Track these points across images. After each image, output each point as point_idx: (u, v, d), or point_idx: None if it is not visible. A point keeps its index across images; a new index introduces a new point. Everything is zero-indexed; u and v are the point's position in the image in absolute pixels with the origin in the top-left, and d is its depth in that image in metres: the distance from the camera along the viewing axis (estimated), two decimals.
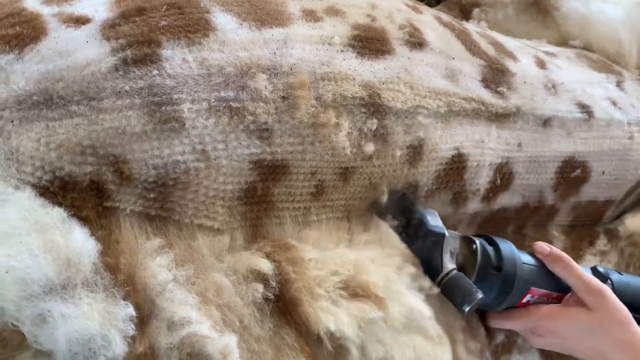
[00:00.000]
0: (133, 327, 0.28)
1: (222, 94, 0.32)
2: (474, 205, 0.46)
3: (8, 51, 0.30)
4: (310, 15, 0.38)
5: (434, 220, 0.40)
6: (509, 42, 0.52)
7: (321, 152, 0.36)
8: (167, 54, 0.31)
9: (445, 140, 0.41)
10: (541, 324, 0.41)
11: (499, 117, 0.44)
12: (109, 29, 0.31)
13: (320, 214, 0.38)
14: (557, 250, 0.41)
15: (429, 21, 0.45)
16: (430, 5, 0.62)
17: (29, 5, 0.32)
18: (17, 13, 0.31)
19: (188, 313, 0.29)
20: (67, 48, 0.30)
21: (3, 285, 0.25)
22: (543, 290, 0.42)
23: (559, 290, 0.42)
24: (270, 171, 0.35)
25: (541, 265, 0.42)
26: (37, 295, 0.26)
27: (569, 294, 0.41)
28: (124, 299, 0.29)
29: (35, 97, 0.29)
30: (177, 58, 0.31)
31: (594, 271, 0.44)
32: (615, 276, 0.44)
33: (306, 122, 0.34)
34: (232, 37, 0.33)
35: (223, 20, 0.34)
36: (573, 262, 0.41)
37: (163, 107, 0.30)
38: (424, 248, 0.39)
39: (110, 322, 0.27)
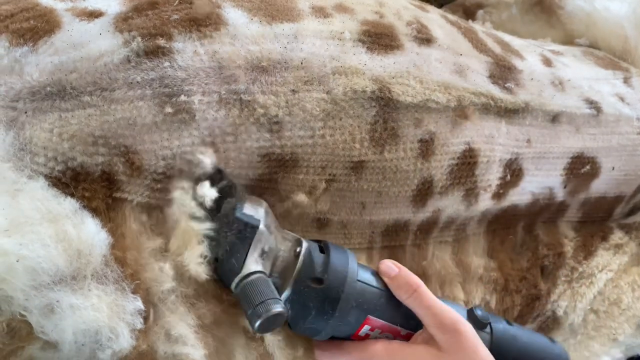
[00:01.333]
0: (141, 320, 0.28)
1: (233, 86, 0.32)
2: (485, 202, 0.45)
3: (22, 44, 0.30)
4: (320, 12, 0.38)
5: (252, 209, 0.31)
6: (515, 41, 0.53)
7: (332, 146, 0.36)
8: (178, 47, 0.31)
9: (456, 134, 0.41)
10: None
11: (508, 113, 0.44)
12: (122, 21, 0.32)
13: None
14: (407, 272, 0.33)
15: (435, 19, 0.45)
16: None
17: (42, 1, 0.33)
18: (32, 8, 0.32)
19: (186, 332, 0.29)
20: (81, 40, 0.30)
21: (14, 274, 0.25)
22: (385, 323, 0.33)
23: (411, 327, 0.33)
24: (280, 164, 0.35)
25: (388, 291, 0.33)
26: (46, 285, 0.26)
27: (421, 330, 0.33)
28: (133, 292, 0.28)
29: (48, 88, 0.29)
30: (188, 51, 0.31)
31: (470, 313, 0.35)
32: (499, 325, 0.36)
33: (317, 115, 0.34)
34: (243, 31, 0.34)
35: (234, 15, 0.34)
36: (424, 289, 0.32)
37: (174, 99, 0.31)
38: (225, 241, 0.30)
39: (118, 314, 0.27)
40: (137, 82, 0.30)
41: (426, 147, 0.40)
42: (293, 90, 0.33)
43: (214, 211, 0.31)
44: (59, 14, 0.32)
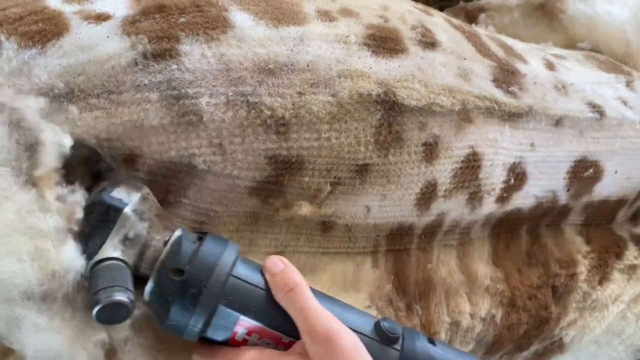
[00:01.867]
0: (103, 354, 0.27)
1: (240, 88, 0.32)
2: (489, 206, 0.45)
3: (31, 46, 0.30)
4: (325, 16, 0.39)
5: (122, 193, 0.29)
6: (518, 45, 0.53)
7: (337, 149, 0.36)
8: (185, 49, 0.32)
9: (460, 138, 0.41)
10: None
11: (512, 117, 0.44)
12: (130, 25, 0.32)
13: None
14: (290, 270, 0.29)
15: (439, 23, 0.46)
16: None
17: (50, 4, 0.33)
18: (40, 11, 0.32)
19: None
20: (89, 43, 0.31)
21: None
22: (264, 327, 0.29)
23: (294, 335, 0.29)
24: (286, 167, 0.35)
25: (270, 291, 0.29)
26: (14, 300, 0.25)
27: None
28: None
29: (56, 90, 0.29)
30: (195, 53, 0.32)
31: (376, 325, 0.31)
32: (415, 342, 0.31)
33: (323, 117, 0.34)
34: (250, 34, 0.34)
35: (241, 19, 0.35)
36: (303, 289, 0.28)
37: (181, 101, 0.31)
38: (87, 223, 0.28)
39: (81, 343, 0.26)
40: (145, 84, 0.30)
41: (430, 151, 0.40)
42: (299, 93, 0.34)
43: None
44: (67, 17, 0.32)
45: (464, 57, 0.43)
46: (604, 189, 0.51)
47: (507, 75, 0.45)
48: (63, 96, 0.30)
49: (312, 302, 0.28)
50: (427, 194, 0.41)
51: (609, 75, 0.53)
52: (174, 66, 0.31)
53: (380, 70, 0.37)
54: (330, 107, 0.35)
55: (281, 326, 0.29)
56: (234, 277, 0.29)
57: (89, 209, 0.28)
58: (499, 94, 0.44)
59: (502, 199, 0.46)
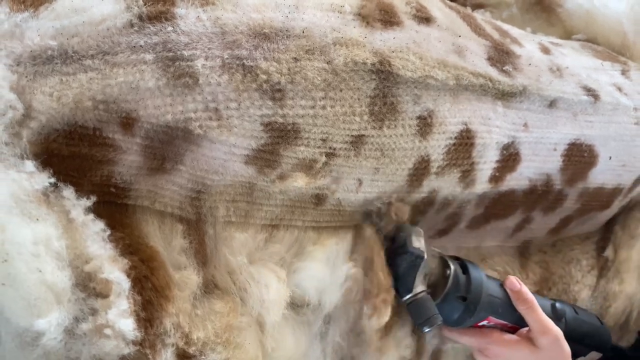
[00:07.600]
0: None
1: (236, 52, 0.32)
2: (482, 185, 0.45)
3: (23, 10, 0.30)
4: None
5: (418, 242, 0.42)
6: (513, 30, 0.53)
7: (332, 118, 0.36)
8: (181, 12, 0.32)
9: (453, 114, 0.41)
10: (491, 347, 0.45)
11: (506, 96, 0.45)
12: None
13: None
14: (526, 290, 0.44)
15: (434, 1, 0.46)
16: None
17: None
18: None
19: None
20: (83, 5, 0.31)
21: None
22: (500, 321, 0.45)
23: (515, 323, 0.45)
24: (281, 134, 0.35)
25: (506, 298, 0.44)
26: None
27: (526, 329, 0.45)
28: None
29: (49, 52, 0.29)
30: (191, 16, 0.32)
31: (553, 308, 0.47)
32: (570, 315, 0.48)
33: (318, 84, 0.34)
34: (245, 0, 0.34)
35: None
36: (536, 304, 0.44)
37: (177, 62, 0.31)
38: (400, 266, 0.41)
39: None
40: (140, 45, 0.30)
41: (425, 125, 0.40)
42: (295, 58, 0.34)
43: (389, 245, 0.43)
44: None
45: (458, 34, 0.43)
46: (599, 176, 0.51)
47: (501, 55, 0.46)
48: (56, 57, 0.30)
49: (541, 312, 0.44)
50: (420, 170, 0.41)
51: (604, 63, 0.53)
52: (170, 28, 0.31)
53: (375, 40, 0.37)
54: (325, 74, 0.35)
55: (510, 319, 0.45)
56: (489, 295, 0.44)
57: (403, 255, 0.41)
58: (494, 72, 0.44)
59: (495, 179, 0.46)
